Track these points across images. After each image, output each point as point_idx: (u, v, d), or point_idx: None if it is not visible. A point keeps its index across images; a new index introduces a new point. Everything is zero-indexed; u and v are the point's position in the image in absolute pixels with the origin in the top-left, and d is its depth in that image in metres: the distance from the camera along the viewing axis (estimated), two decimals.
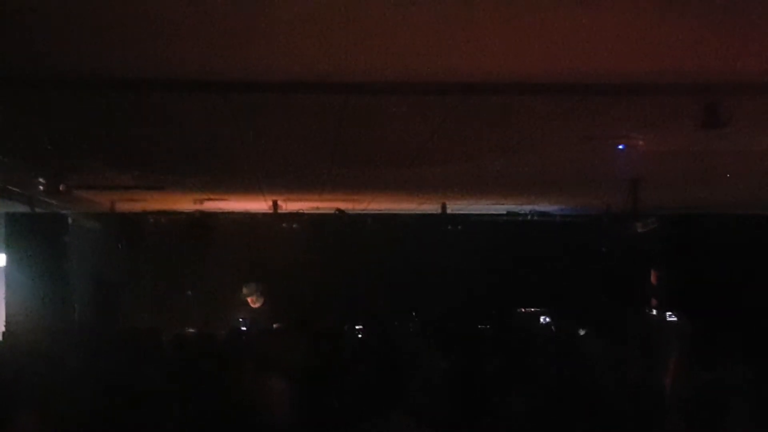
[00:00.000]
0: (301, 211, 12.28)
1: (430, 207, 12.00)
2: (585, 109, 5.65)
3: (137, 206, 11.69)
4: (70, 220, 11.57)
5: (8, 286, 10.96)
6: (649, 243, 12.00)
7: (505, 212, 12.60)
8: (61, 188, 8.69)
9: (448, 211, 12.12)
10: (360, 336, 10.60)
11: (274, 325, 10.79)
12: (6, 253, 11.05)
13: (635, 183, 9.20)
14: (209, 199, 11.19)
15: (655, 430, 5.11)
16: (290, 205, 11.84)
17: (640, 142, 6.81)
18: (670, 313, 10.32)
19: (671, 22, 3.97)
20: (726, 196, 10.40)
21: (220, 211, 12.39)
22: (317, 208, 12.13)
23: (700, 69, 4.74)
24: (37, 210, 10.65)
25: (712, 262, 12.00)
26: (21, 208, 10.61)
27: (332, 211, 12.07)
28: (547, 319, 11.75)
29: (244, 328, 10.69)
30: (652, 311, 12.11)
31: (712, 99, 5.12)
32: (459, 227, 12.99)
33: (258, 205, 11.80)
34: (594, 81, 4.93)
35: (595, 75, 4.83)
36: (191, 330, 10.76)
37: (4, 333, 10.25)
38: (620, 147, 7.00)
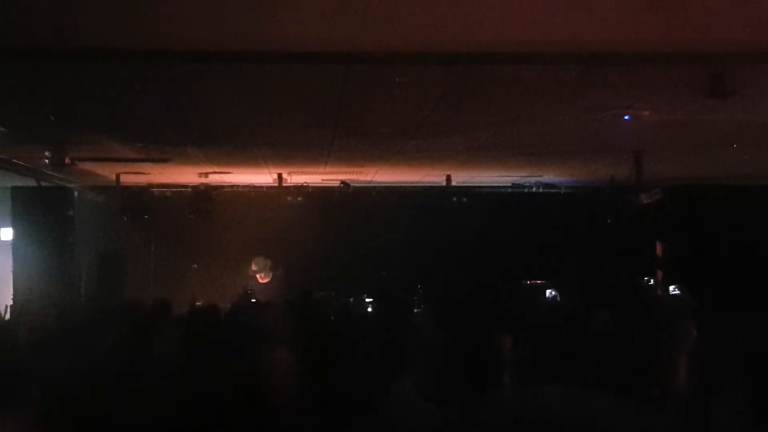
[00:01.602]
0: (306, 184, 12.27)
1: (435, 179, 11.99)
2: (590, 79, 5.62)
3: (142, 179, 11.70)
4: (75, 194, 11.59)
5: (15, 260, 11.01)
6: (654, 214, 11.98)
7: (510, 184, 12.59)
8: (66, 161, 8.69)
9: (453, 183, 12.11)
10: (364, 309, 10.62)
11: (281, 300, 10.81)
12: (12, 227, 11.09)
13: (640, 154, 9.17)
14: (214, 172, 11.19)
15: (658, 399, 5.12)
16: (294, 178, 11.84)
17: (645, 113, 6.78)
18: (673, 284, 10.31)
19: None
20: (731, 167, 10.37)
21: (225, 184, 12.39)
22: (322, 181, 12.12)
23: (706, 38, 4.71)
24: (43, 183, 10.67)
25: (717, 233, 11.97)
26: (27, 182, 10.63)
27: (337, 184, 12.07)
28: (553, 292, 11.76)
29: (253, 300, 10.72)
30: (656, 282, 12.13)
31: (717, 69, 5.09)
32: (464, 199, 12.98)
33: (262, 178, 11.80)
34: (599, 50, 4.89)
35: (600, 44, 4.79)
36: (197, 303, 10.80)
37: (11, 306, 10.30)
38: (625, 117, 6.97)
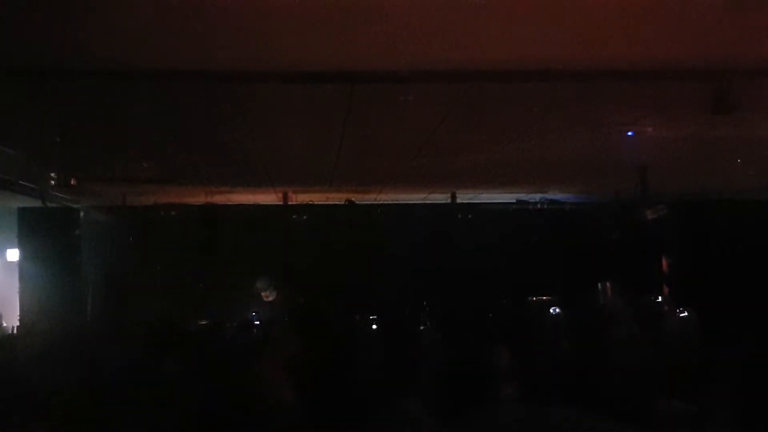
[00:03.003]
0: (311, 203, 12.29)
1: (440, 196, 12.01)
2: (594, 95, 5.64)
3: (148, 199, 11.73)
4: (81, 214, 11.62)
5: (21, 280, 11.03)
6: (659, 230, 11.96)
7: (514, 201, 12.58)
8: (72, 182, 8.73)
9: (458, 200, 12.12)
10: (371, 326, 10.60)
11: (285, 318, 10.79)
12: (19, 248, 11.11)
13: (645, 170, 9.18)
14: (219, 192, 11.22)
15: (664, 418, 5.12)
16: (300, 197, 11.87)
17: (650, 129, 6.79)
18: (679, 300, 10.29)
19: (680, 7, 3.97)
20: (736, 181, 10.36)
21: (231, 203, 12.41)
22: (327, 200, 12.15)
23: (709, 54, 4.74)
24: (49, 204, 10.70)
25: (722, 247, 11.94)
26: (33, 203, 10.66)
27: (342, 202, 12.08)
28: (557, 310, 11.73)
29: (256, 322, 10.70)
30: (661, 298, 12.08)
31: (721, 84, 5.10)
32: (469, 216, 12.98)
33: (268, 197, 11.82)
34: (602, 67, 4.92)
35: (603, 61, 4.82)
36: (202, 322, 10.79)
37: (18, 327, 10.31)
38: (629, 134, 6.99)
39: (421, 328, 10.26)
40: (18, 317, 10.71)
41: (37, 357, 7.42)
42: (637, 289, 11.67)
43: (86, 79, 5.01)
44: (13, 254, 11.41)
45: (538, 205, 12.56)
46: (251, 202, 12.59)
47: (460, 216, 12.92)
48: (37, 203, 10.60)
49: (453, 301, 12.05)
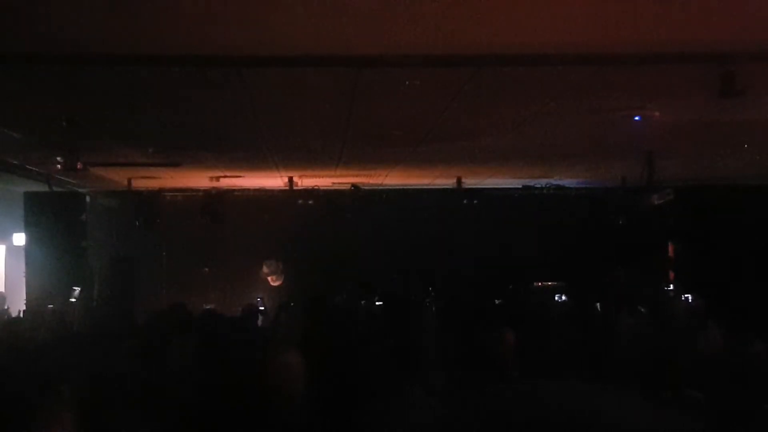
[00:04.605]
0: (317, 188, 12.28)
1: (446, 181, 11.99)
2: (600, 80, 5.62)
3: (154, 184, 11.73)
4: (87, 198, 11.64)
5: (28, 265, 11.07)
6: (665, 215, 11.94)
7: (520, 186, 12.56)
8: (78, 166, 8.72)
9: (464, 185, 12.10)
10: (376, 311, 10.62)
11: (291, 303, 10.81)
12: (25, 232, 11.14)
13: (651, 155, 9.15)
14: (225, 177, 11.22)
15: (669, 402, 5.11)
16: (305, 182, 11.86)
17: (656, 114, 6.77)
18: (685, 285, 10.29)
19: None
20: (743, 166, 10.33)
21: (236, 188, 12.42)
22: (333, 184, 12.14)
23: (716, 38, 4.71)
24: (55, 188, 10.72)
25: (728, 232, 11.92)
26: (39, 187, 10.68)
27: (348, 187, 12.07)
28: (563, 297, 11.74)
29: (261, 308, 10.73)
30: (668, 284, 12.09)
31: (728, 68, 5.07)
32: (475, 201, 12.96)
33: (273, 181, 11.82)
34: (609, 51, 4.90)
35: (610, 45, 4.80)
36: (208, 307, 10.82)
37: (24, 311, 10.35)
38: (636, 118, 6.96)
39: (426, 312, 10.27)
40: (24, 301, 10.76)
41: (43, 340, 7.45)
42: (642, 273, 11.67)
43: (93, 64, 5.00)
44: (19, 238, 11.45)
45: (544, 191, 12.53)
46: (257, 187, 12.59)
47: (465, 201, 12.90)
48: (43, 187, 10.63)
49: (458, 286, 12.05)
